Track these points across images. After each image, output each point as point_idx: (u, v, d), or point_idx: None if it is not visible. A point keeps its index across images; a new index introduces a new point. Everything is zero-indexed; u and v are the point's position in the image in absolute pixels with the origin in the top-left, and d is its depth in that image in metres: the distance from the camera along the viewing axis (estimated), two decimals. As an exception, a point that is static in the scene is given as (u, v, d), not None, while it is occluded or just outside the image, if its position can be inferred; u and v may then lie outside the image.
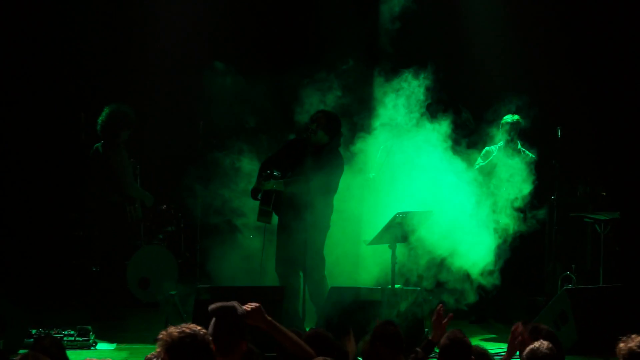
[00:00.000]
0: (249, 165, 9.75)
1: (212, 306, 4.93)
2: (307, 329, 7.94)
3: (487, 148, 10.10)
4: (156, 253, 10.97)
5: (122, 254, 10.34)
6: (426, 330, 8.44)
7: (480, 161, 9.92)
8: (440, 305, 6.47)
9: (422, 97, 9.09)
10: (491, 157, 9.95)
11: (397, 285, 8.51)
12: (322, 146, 9.06)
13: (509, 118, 10.05)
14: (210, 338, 4.50)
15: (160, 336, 4.41)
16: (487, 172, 9.70)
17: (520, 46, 11.15)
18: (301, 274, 8.94)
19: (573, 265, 10.45)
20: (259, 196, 9.20)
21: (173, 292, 9.33)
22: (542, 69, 11.18)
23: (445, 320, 6.25)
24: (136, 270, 10.80)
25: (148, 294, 10.79)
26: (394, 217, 8.24)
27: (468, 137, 9.52)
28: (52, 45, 11.38)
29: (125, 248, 10.37)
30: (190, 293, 9.39)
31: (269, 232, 9.33)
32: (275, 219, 9.31)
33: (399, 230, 8.34)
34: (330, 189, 9.08)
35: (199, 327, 4.48)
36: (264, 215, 9.27)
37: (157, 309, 10.23)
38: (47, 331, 8.54)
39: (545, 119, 10.42)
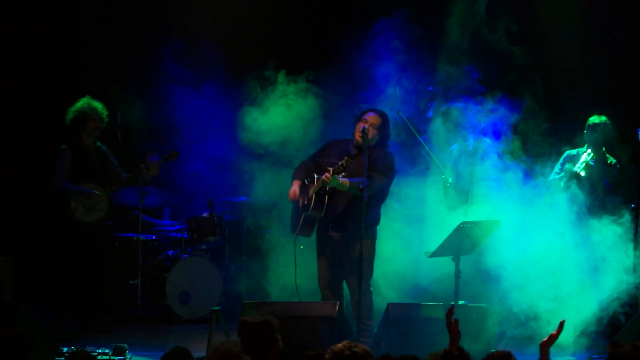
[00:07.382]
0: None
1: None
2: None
3: (568, 151, 9.50)
4: (198, 265, 10.42)
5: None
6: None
7: (569, 166, 9.31)
8: (452, 306, 6.07)
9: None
10: (579, 164, 9.29)
11: (460, 302, 8.08)
12: (372, 147, 8.48)
13: (596, 119, 9.38)
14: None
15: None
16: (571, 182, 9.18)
17: (595, 35, 10.43)
18: (344, 284, 8.54)
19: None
20: (306, 202, 8.37)
21: (217, 308, 8.50)
22: (621, 58, 10.44)
23: (454, 324, 5.49)
24: (176, 284, 10.28)
25: (189, 310, 10.29)
26: (459, 227, 7.93)
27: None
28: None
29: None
30: (235, 309, 9.30)
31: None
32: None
33: (463, 241, 7.99)
34: (385, 194, 8.64)
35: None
36: (308, 224, 8.36)
37: (200, 326, 9.79)
38: (80, 348, 7.81)
39: (623, 118, 9.71)
